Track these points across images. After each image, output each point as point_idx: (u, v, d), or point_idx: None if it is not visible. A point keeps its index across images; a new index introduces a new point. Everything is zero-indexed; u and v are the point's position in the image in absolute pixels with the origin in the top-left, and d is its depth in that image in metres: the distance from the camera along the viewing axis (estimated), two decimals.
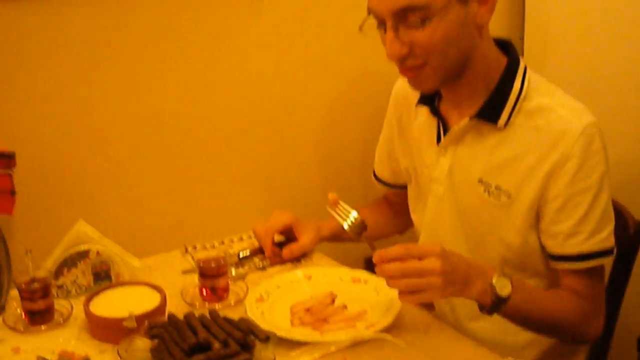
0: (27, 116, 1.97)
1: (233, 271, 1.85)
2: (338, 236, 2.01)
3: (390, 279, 1.46)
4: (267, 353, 1.40)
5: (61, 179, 2.04)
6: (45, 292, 1.61)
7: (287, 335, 1.51)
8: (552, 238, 1.62)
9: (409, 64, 1.57)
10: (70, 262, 1.73)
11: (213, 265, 1.70)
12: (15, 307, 1.66)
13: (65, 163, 2.04)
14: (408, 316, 1.62)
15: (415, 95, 1.76)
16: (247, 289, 1.73)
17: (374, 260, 1.47)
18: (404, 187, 1.94)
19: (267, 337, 1.43)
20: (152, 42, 2.11)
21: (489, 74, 1.63)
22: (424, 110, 1.77)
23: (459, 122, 1.67)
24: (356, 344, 1.51)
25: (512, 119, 1.61)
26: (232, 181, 2.34)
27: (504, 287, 1.49)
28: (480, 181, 1.67)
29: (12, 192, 1.79)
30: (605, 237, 1.60)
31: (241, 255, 1.94)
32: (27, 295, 1.60)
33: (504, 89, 1.62)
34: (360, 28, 1.61)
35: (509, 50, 1.67)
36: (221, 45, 2.22)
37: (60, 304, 1.66)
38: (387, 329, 1.53)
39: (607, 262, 1.65)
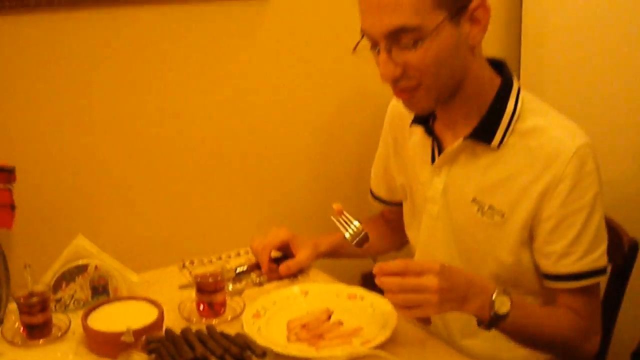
0: (27, 131, 1.98)
1: (230, 286, 1.85)
2: (335, 252, 2.03)
3: (388, 292, 1.47)
4: None
5: (60, 194, 2.05)
6: (43, 306, 1.61)
7: (284, 351, 1.51)
8: (545, 258, 1.62)
9: (403, 85, 1.57)
10: (68, 276, 1.73)
11: (210, 280, 1.70)
12: (13, 320, 1.66)
13: (65, 178, 2.05)
14: (404, 333, 1.62)
15: (410, 115, 1.76)
16: (244, 304, 1.74)
17: (374, 271, 1.48)
18: (400, 205, 1.94)
19: (263, 353, 1.44)
20: (151, 60, 2.12)
21: (482, 95, 1.64)
22: (419, 130, 1.77)
23: (453, 142, 1.67)
24: None
25: (505, 139, 1.62)
26: (230, 197, 2.35)
27: (502, 305, 1.49)
28: (474, 201, 1.67)
29: (12, 207, 1.80)
30: (598, 257, 1.60)
31: (238, 271, 1.95)
32: (25, 309, 1.60)
33: (498, 109, 1.62)
34: (354, 49, 1.61)
35: (503, 70, 1.67)
36: (218, 64, 2.23)
37: (58, 318, 1.67)
38: (383, 345, 1.53)
39: (601, 281, 1.65)
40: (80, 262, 1.74)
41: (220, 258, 2.06)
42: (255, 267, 1.96)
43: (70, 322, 1.66)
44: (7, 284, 1.71)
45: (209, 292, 1.70)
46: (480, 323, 1.53)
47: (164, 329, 1.56)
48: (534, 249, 1.64)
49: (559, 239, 1.59)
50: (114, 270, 1.77)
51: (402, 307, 1.47)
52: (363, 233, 1.60)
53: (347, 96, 2.46)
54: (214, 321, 1.68)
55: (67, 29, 1.99)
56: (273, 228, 1.99)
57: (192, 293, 1.74)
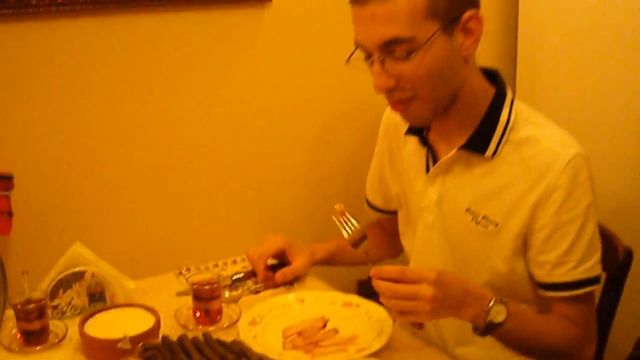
0: (25, 139, 1.99)
1: (227, 294, 1.85)
2: (331, 260, 2.03)
3: (382, 296, 1.47)
4: None
5: (58, 201, 2.06)
6: (40, 312, 1.61)
7: (279, 359, 1.52)
8: (539, 267, 1.62)
9: (397, 97, 1.58)
10: (65, 283, 1.73)
11: (207, 288, 1.70)
12: (10, 327, 1.66)
13: (62, 186, 2.06)
14: (399, 340, 1.63)
15: (404, 124, 1.76)
16: (240, 311, 1.74)
17: (370, 274, 1.48)
18: (396, 213, 1.94)
19: None
20: (148, 69, 2.13)
21: (476, 105, 1.64)
22: (414, 139, 1.77)
23: (448, 152, 1.67)
24: None
25: (499, 149, 1.62)
26: (227, 205, 2.36)
27: (498, 314, 1.49)
28: (468, 210, 1.67)
29: (10, 214, 1.81)
30: (591, 266, 1.60)
31: (235, 278, 1.95)
32: (22, 315, 1.60)
33: (492, 120, 1.62)
34: (348, 61, 1.61)
35: (496, 80, 1.67)
36: (217, 73, 2.25)
37: (55, 325, 1.67)
38: (378, 353, 1.54)
39: (594, 290, 1.65)
40: (78, 269, 1.74)
41: (216, 265, 2.06)
42: (252, 274, 1.96)
43: (67, 329, 1.66)
44: (4, 290, 1.71)
45: (205, 299, 1.70)
46: (475, 329, 1.53)
47: (160, 336, 1.55)
48: (528, 258, 1.64)
49: (552, 249, 1.59)
50: (110, 277, 1.77)
51: (394, 312, 1.48)
52: (361, 234, 1.59)
53: (344, 104, 2.47)
54: (211, 328, 1.69)
55: (67, 36, 2.00)
56: (269, 236, 1.99)
57: (189, 300, 1.74)
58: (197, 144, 2.26)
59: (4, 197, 1.81)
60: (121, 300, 1.78)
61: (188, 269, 2.01)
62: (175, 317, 1.73)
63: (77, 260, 1.75)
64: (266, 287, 1.91)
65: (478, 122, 1.63)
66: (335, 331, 1.64)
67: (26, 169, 1.95)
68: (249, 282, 1.94)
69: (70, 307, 1.75)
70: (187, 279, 1.90)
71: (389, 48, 1.51)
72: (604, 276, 1.80)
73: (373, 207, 2.07)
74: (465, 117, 1.64)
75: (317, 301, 1.79)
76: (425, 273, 1.45)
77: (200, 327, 1.70)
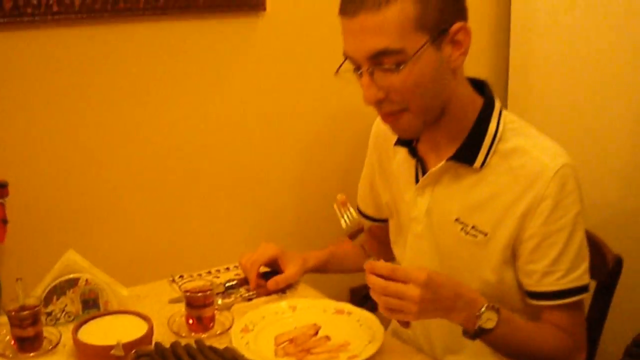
0: (20, 147, 2.00)
1: (219, 301, 1.85)
2: (323, 268, 2.04)
3: (372, 291, 1.47)
4: None
5: (52, 209, 2.06)
6: (34, 319, 1.61)
7: None
8: (528, 277, 1.63)
9: (386, 109, 1.58)
10: (59, 290, 1.73)
11: (200, 295, 1.71)
12: (4, 333, 1.66)
13: (56, 193, 2.07)
14: (390, 348, 1.64)
15: (393, 134, 1.75)
16: (233, 319, 1.75)
17: (365, 267, 1.48)
18: (387, 221, 1.94)
19: None
20: (142, 77, 2.14)
21: (465, 116, 1.64)
22: (403, 149, 1.77)
23: (437, 163, 1.67)
24: None
25: (488, 160, 1.62)
26: (220, 213, 2.37)
27: (489, 320, 1.50)
28: (458, 220, 1.67)
29: (4, 221, 1.81)
30: (580, 275, 1.61)
31: (227, 286, 1.95)
32: (16, 322, 1.60)
33: (480, 131, 1.63)
34: (337, 72, 1.62)
35: (484, 90, 1.68)
36: (209, 83, 2.26)
37: (49, 332, 1.67)
38: None
39: (583, 299, 1.65)
40: (71, 276, 1.74)
41: (209, 273, 2.07)
42: (245, 282, 1.96)
43: (60, 336, 1.66)
44: None
45: (198, 306, 1.71)
46: (465, 333, 1.54)
47: (153, 342, 1.56)
48: (517, 267, 1.65)
49: (541, 258, 1.59)
50: (104, 284, 1.78)
51: (382, 308, 1.48)
52: (359, 226, 1.58)
53: (337, 112, 2.48)
54: (203, 335, 1.69)
55: (63, 44, 2.01)
56: (261, 244, 1.99)
57: (182, 307, 1.75)
58: (191, 152, 2.27)
59: None
60: (115, 307, 1.78)
61: (181, 277, 2.02)
62: (168, 324, 1.73)
63: (71, 267, 1.75)
64: (259, 295, 1.91)
65: (466, 133, 1.64)
66: (327, 338, 1.65)
67: (20, 176, 1.95)
68: (242, 290, 1.94)
69: (64, 313, 1.75)
70: (180, 286, 1.90)
71: (378, 60, 1.51)
72: (594, 284, 1.82)
73: (365, 216, 2.06)
74: (454, 128, 1.65)
75: (309, 309, 1.79)
76: (415, 274, 1.44)
77: (193, 334, 1.70)
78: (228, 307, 1.84)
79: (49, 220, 2.06)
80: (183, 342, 1.52)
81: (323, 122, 2.49)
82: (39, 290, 1.73)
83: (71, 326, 1.65)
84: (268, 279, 1.93)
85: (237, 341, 1.62)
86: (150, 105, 2.17)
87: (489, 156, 1.63)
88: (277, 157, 2.43)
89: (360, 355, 1.56)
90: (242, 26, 2.28)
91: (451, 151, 1.65)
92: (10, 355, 1.62)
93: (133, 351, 1.47)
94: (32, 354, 1.62)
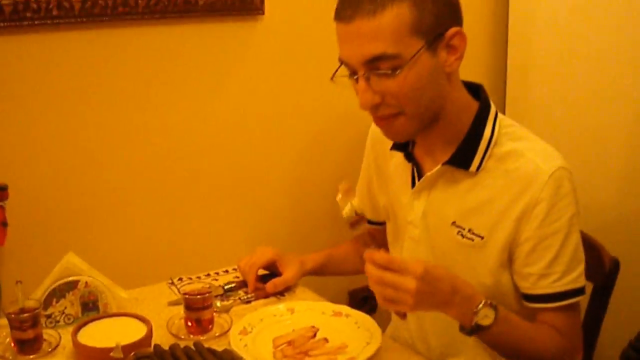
0: (20, 150, 2.00)
1: (218, 303, 1.86)
2: (321, 270, 2.05)
3: (369, 280, 1.47)
4: None
5: (52, 212, 2.06)
6: (34, 321, 1.61)
7: None
8: (524, 279, 1.63)
9: (382, 113, 1.58)
10: (59, 292, 1.74)
11: (198, 297, 1.71)
12: (4, 336, 1.67)
13: (56, 196, 2.07)
14: (388, 350, 1.65)
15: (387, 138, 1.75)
16: (232, 321, 1.75)
17: (364, 256, 1.47)
18: (385, 224, 1.95)
19: None
20: (141, 83, 2.15)
21: (460, 121, 1.64)
22: (399, 153, 1.78)
23: (433, 167, 1.68)
24: None
25: (483, 164, 1.62)
26: (219, 216, 2.37)
27: (486, 317, 1.49)
28: (454, 224, 1.67)
29: (4, 224, 1.81)
30: (575, 278, 1.61)
31: (226, 288, 1.96)
32: (16, 324, 1.60)
33: (475, 135, 1.63)
34: (332, 78, 1.62)
35: (480, 94, 1.68)
36: (208, 86, 2.26)
37: (48, 334, 1.67)
38: None
39: (579, 301, 1.65)
40: (71, 278, 1.75)
41: (208, 275, 2.07)
42: (243, 284, 1.97)
43: (60, 338, 1.67)
44: None
45: (197, 309, 1.71)
46: (462, 329, 1.54)
47: (152, 345, 1.57)
48: (513, 270, 1.65)
49: (536, 261, 1.60)
50: (103, 287, 1.78)
51: (379, 298, 1.47)
52: (360, 216, 1.57)
53: (335, 115, 2.48)
54: (202, 337, 1.70)
55: (62, 48, 2.01)
56: (259, 247, 2.00)
57: (181, 310, 1.75)
58: (189, 155, 2.27)
59: None
60: (114, 310, 1.79)
61: (180, 279, 2.02)
62: (167, 327, 1.74)
63: (70, 269, 1.76)
64: (257, 297, 1.92)
65: (462, 137, 1.64)
66: (325, 340, 1.66)
67: (20, 179, 1.96)
68: (241, 292, 1.95)
69: (63, 316, 1.75)
70: (179, 289, 1.91)
71: (374, 65, 1.52)
72: (591, 286, 1.82)
73: None
74: (449, 133, 1.65)
75: (307, 311, 1.80)
76: (412, 266, 1.43)
77: (191, 336, 1.71)
78: (227, 310, 1.85)
79: (48, 223, 2.06)
80: (182, 344, 1.53)
81: (321, 125, 2.49)
82: (39, 293, 1.73)
83: (71, 328, 1.65)
84: (266, 282, 1.94)
85: (235, 343, 1.62)
86: (149, 109, 2.18)
87: (485, 160, 1.63)
88: (275, 160, 2.44)
89: (358, 357, 1.56)
90: (240, 30, 2.29)
91: (447, 155, 1.65)
92: (10, 357, 1.62)
93: (132, 353, 1.48)
94: (31, 356, 1.62)
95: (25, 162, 2.01)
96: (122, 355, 1.49)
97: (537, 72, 2.61)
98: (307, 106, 2.45)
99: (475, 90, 1.69)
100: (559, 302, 1.61)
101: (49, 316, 1.74)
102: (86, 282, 1.76)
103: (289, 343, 1.65)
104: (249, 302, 1.91)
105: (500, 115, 1.68)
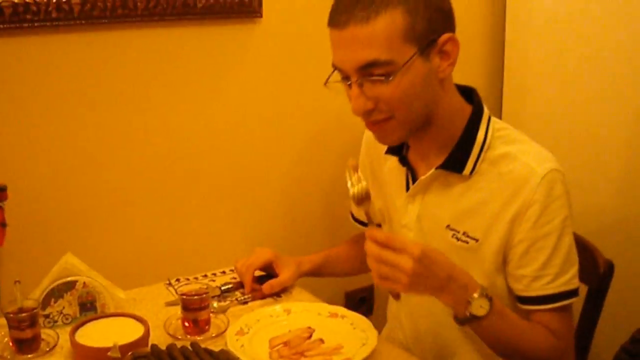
0: (19, 151, 2.00)
1: (215, 304, 1.87)
2: (318, 272, 2.05)
3: (368, 257, 1.47)
4: None
5: (50, 213, 2.06)
6: (32, 321, 1.62)
7: None
8: (517, 281, 1.64)
9: (374, 118, 1.59)
10: (57, 292, 1.74)
11: (196, 298, 1.72)
12: (3, 335, 1.67)
13: (55, 197, 2.07)
14: (383, 352, 1.65)
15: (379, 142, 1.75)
16: (228, 321, 1.76)
17: (366, 233, 1.47)
18: (380, 227, 1.93)
19: None
20: (139, 85, 2.14)
21: (453, 125, 1.65)
22: (393, 157, 1.78)
23: (427, 171, 1.68)
24: None
25: (477, 167, 1.63)
26: (216, 217, 2.37)
27: (481, 308, 1.49)
28: (449, 227, 1.68)
29: (3, 225, 1.82)
30: (569, 279, 1.62)
31: (223, 289, 1.97)
32: (15, 324, 1.61)
33: (469, 139, 1.64)
34: (326, 83, 1.63)
35: (473, 98, 1.69)
36: (205, 89, 2.26)
37: (46, 334, 1.68)
38: None
39: (572, 303, 1.66)
40: (69, 279, 1.76)
41: (205, 276, 2.08)
42: (240, 285, 1.98)
43: (58, 338, 1.68)
44: None
45: (194, 309, 1.72)
46: (455, 318, 1.54)
47: (149, 345, 1.57)
48: (507, 272, 1.66)
49: (530, 263, 1.60)
50: (101, 287, 1.79)
51: (375, 274, 1.47)
52: (366, 194, 1.53)
53: (333, 117, 2.48)
54: (199, 338, 1.70)
55: (62, 50, 2.01)
56: (256, 248, 2.01)
57: (178, 310, 1.76)
58: (187, 156, 2.27)
59: None
60: (112, 310, 1.79)
61: (178, 280, 2.03)
62: (164, 327, 1.74)
63: (68, 270, 1.76)
64: (254, 298, 1.93)
65: (455, 141, 1.65)
66: (321, 341, 1.67)
67: (19, 180, 1.96)
68: (237, 293, 1.96)
69: (61, 316, 1.76)
70: (176, 290, 1.92)
71: (368, 71, 1.53)
72: (585, 289, 1.83)
73: (358, 221, 2.08)
74: (443, 137, 1.66)
75: (303, 312, 1.81)
76: (410, 246, 1.44)
77: (188, 336, 1.71)
78: (223, 310, 1.85)
79: (47, 223, 2.07)
80: (179, 344, 1.54)
81: (319, 127, 2.50)
82: (37, 293, 1.74)
83: (68, 328, 1.66)
84: (263, 283, 1.95)
85: (232, 344, 1.63)
86: (147, 110, 2.18)
87: (478, 164, 1.64)
88: (272, 162, 2.44)
89: (354, 358, 1.57)
90: (238, 32, 2.29)
91: (440, 159, 1.66)
92: (9, 357, 1.63)
93: (129, 353, 1.48)
94: (30, 356, 1.63)
95: (24, 163, 2.01)
96: (119, 355, 1.49)
97: (533, 75, 2.61)
98: (304, 108, 2.45)
99: (468, 93, 1.70)
100: (552, 304, 1.62)
101: (47, 316, 1.75)
102: (84, 283, 1.77)
103: (285, 344, 1.65)
104: (245, 302, 1.92)
105: (493, 118, 1.69)
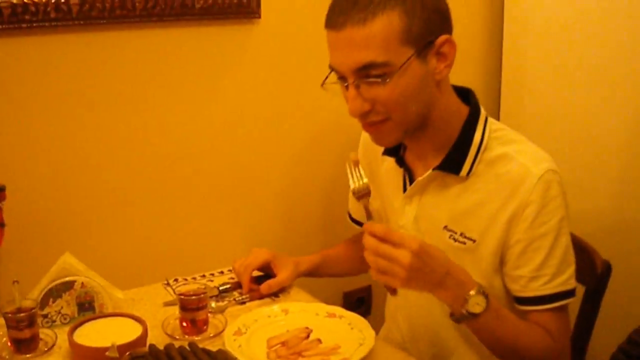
0: (18, 151, 2.00)
1: (213, 304, 1.87)
2: (316, 272, 2.05)
3: (366, 251, 1.47)
4: None
5: (49, 212, 2.07)
6: (31, 321, 1.62)
7: None
8: (514, 282, 1.64)
9: (371, 120, 1.59)
10: (55, 292, 1.74)
11: (194, 298, 1.72)
12: (1, 335, 1.67)
13: (53, 197, 2.07)
14: (380, 352, 1.65)
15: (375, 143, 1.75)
16: (226, 322, 1.76)
17: (364, 227, 1.47)
18: None
19: None
20: (137, 85, 2.15)
21: (450, 126, 1.66)
22: (391, 158, 1.79)
23: (424, 172, 1.69)
24: None
25: (474, 168, 1.63)
26: (214, 217, 2.37)
27: (477, 305, 1.49)
28: (446, 228, 1.69)
29: (2, 225, 1.82)
30: (566, 280, 1.62)
31: (221, 289, 1.97)
32: (13, 324, 1.61)
33: (465, 140, 1.64)
34: (322, 84, 1.63)
35: (470, 99, 1.69)
36: (204, 89, 2.26)
37: (45, 333, 1.68)
38: None
39: (568, 303, 1.66)
40: (67, 279, 1.76)
41: (203, 276, 2.08)
42: (238, 285, 1.99)
43: (56, 337, 1.68)
44: None
45: (192, 309, 1.72)
46: (451, 315, 1.54)
47: (147, 344, 1.57)
48: (504, 273, 1.66)
49: (526, 263, 1.61)
50: (100, 287, 1.79)
51: (372, 268, 1.47)
52: (366, 188, 1.55)
53: (331, 118, 2.49)
54: (197, 338, 1.71)
55: (60, 50, 2.02)
56: (254, 249, 2.01)
57: (176, 310, 1.76)
58: (185, 157, 2.28)
59: None
60: (110, 310, 1.80)
61: (176, 280, 2.03)
62: (162, 327, 1.75)
63: (67, 270, 1.76)
64: (252, 298, 1.93)
65: (452, 143, 1.65)
66: (319, 341, 1.67)
67: (18, 180, 1.96)
68: (235, 293, 1.96)
69: (59, 316, 1.76)
70: (174, 290, 1.91)
71: (364, 72, 1.53)
72: (582, 289, 1.84)
73: (356, 222, 2.08)
74: (439, 138, 1.66)
75: (301, 312, 1.81)
76: (408, 240, 1.44)
77: (186, 336, 1.72)
78: (221, 310, 1.85)
79: (45, 223, 2.07)
80: (177, 344, 1.54)
81: (317, 128, 2.50)
82: (36, 293, 1.74)
83: (67, 328, 1.66)
84: (261, 283, 1.95)
85: (230, 344, 1.63)
86: (145, 111, 2.18)
87: (475, 165, 1.64)
88: (270, 162, 2.45)
89: (351, 358, 1.57)
90: (237, 33, 2.29)
91: (437, 160, 1.66)
92: (7, 357, 1.63)
93: (127, 353, 1.48)
94: (28, 356, 1.63)
95: (22, 163, 2.02)
96: (117, 355, 1.48)
97: (531, 77, 2.61)
98: (303, 109, 2.46)
99: (465, 95, 1.70)
100: (549, 305, 1.62)
101: (45, 316, 1.75)
102: (82, 283, 1.77)
103: (283, 344, 1.65)
104: (243, 303, 1.92)
105: (490, 119, 1.69)
